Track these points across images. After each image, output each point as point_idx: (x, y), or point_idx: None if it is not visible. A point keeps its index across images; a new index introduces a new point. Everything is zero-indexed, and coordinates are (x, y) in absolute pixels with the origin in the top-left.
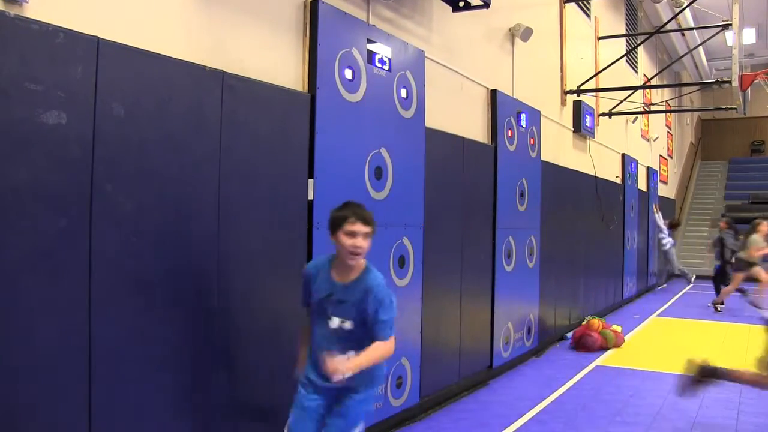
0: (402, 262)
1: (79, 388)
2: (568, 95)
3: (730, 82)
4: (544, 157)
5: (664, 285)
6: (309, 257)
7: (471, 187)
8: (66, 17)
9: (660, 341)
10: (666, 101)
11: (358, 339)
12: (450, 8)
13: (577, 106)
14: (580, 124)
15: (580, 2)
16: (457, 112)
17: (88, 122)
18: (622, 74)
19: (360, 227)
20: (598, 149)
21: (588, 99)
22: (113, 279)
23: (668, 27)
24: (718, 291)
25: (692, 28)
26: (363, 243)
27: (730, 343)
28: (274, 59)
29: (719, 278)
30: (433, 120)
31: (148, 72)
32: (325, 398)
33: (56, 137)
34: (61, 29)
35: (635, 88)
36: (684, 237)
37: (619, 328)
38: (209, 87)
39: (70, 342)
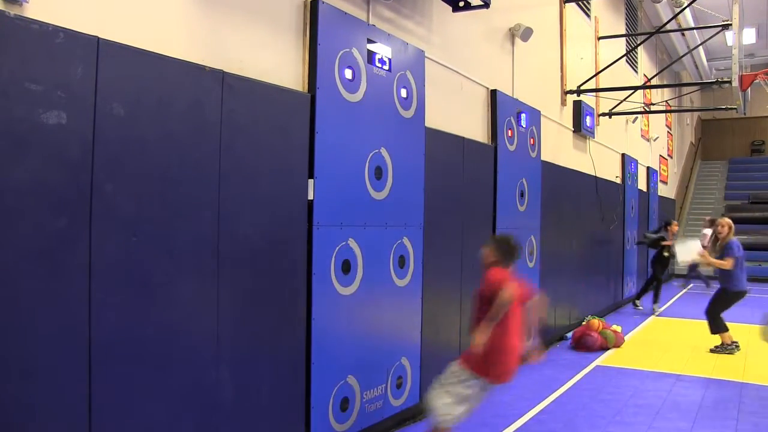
0: (402, 262)
1: (79, 388)
2: (568, 95)
3: (730, 82)
4: (544, 157)
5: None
6: (309, 257)
7: (471, 187)
8: (66, 17)
9: (660, 341)
10: (666, 101)
11: None
12: (450, 8)
13: (577, 106)
14: (580, 124)
15: (580, 2)
16: (457, 112)
17: (88, 122)
18: (622, 74)
19: None
20: (598, 149)
21: (588, 99)
22: (113, 279)
23: (668, 27)
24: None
25: (692, 28)
26: None
27: None
28: (274, 59)
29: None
30: (433, 120)
31: (148, 72)
32: None
33: (56, 137)
34: (61, 29)
35: (635, 88)
36: (684, 237)
37: (619, 328)
38: (209, 87)
39: (70, 341)
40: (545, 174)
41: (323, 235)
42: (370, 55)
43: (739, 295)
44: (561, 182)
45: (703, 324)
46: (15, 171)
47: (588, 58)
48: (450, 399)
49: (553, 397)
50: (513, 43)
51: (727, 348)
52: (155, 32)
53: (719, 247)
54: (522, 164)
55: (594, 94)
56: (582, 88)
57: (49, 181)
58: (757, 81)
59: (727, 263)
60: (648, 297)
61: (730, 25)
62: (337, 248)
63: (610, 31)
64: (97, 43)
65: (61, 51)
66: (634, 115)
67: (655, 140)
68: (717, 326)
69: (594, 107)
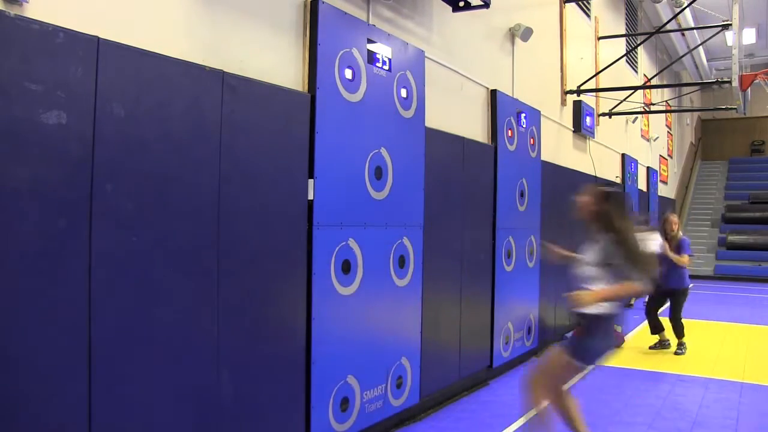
0: (402, 262)
1: (79, 388)
2: (568, 95)
3: (730, 82)
4: (544, 157)
5: None
6: (309, 257)
7: (471, 188)
8: (66, 17)
9: None
10: (666, 101)
11: None
12: (450, 8)
13: (577, 106)
14: (580, 124)
15: (580, 2)
16: (457, 112)
17: (88, 122)
18: (622, 74)
19: None
20: (598, 149)
21: (588, 99)
22: (113, 279)
23: (668, 27)
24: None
25: (692, 28)
26: None
27: (729, 342)
28: (274, 59)
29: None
30: (433, 120)
31: (148, 72)
32: None
33: (56, 137)
34: (61, 29)
35: (635, 88)
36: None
37: (619, 328)
38: (209, 87)
39: (70, 342)
40: (545, 174)
41: (323, 235)
42: (370, 55)
43: (688, 290)
44: (561, 182)
45: (702, 324)
46: (15, 171)
47: (588, 58)
48: None
49: None
50: (513, 43)
51: (685, 347)
52: (155, 32)
53: (674, 245)
54: (522, 164)
55: (594, 94)
56: (582, 88)
57: (49, 181)
58: (757, 81)
59: (685, 259)
60: None
61: (730, 25)
62: (337, 248)
63: (610, 31)
64: (97, 43)
65: (61, 51)
66: (634, 115)
67: (655, 140)
68: (682, 329)
69: (594, 107)
